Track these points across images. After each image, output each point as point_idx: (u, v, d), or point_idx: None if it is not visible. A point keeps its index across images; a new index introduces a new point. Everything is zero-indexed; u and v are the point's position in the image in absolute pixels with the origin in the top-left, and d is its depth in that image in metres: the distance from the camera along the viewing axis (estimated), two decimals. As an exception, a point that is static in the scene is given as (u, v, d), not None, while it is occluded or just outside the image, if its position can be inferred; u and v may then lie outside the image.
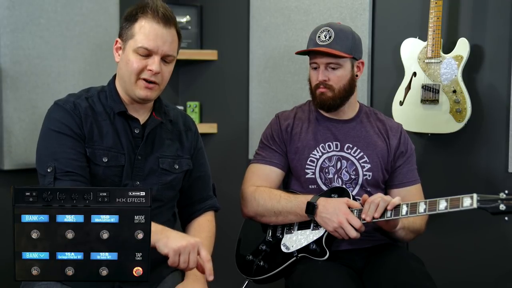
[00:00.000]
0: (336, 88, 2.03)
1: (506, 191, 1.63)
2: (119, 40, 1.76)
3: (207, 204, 1.97)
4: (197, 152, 1.94)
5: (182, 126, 1.92)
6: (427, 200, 1.75)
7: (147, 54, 1.70)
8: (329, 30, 2.02)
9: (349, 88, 2.06)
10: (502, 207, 1.61)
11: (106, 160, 1.72)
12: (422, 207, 1.75)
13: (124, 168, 1.74)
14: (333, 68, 2.02)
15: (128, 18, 1.74)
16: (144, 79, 1.72)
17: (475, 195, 1.65)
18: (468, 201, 1.65)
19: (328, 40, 2.00)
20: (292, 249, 1.96)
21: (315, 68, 2.05)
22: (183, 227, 1.99)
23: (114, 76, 1.83)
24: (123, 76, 1.76)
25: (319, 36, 2.03)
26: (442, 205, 1.70)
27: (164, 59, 1.73)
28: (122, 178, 1.73)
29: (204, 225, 1.94)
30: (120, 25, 1.78)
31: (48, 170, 1.66)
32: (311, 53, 2.05)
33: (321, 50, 2.00)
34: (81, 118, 1.72)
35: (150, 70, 1.70)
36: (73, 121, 1.71)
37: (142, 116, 1.81)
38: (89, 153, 1.70)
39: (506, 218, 1.64)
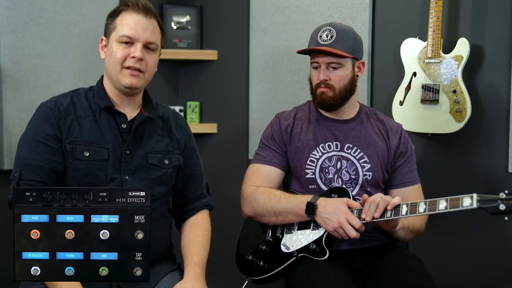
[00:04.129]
0: (337, 88, 2.03)
1: (506, 191, 1.62)
2: (104, 38, 1.81)
3: (201, 202, 1.98)
4: (190, 151, 1.96)
5: (173, 123, 1.94)
6: (427, 200, 1.75)
7: (129, 42, 1.75)
8: (330, 30, 2.02)
9: (350, 88, 2.06)
10: (502, 207, 1.61)
11: (88, 154, 1.74)
12: (422, 207, 1.75)
13: (108, 162, 1.76)
14: (334, 68, 2.02)
15: (111, 14, 1.80)
16: (129, 67, 1.76)
17: (475, 195, 1.65)
18: (468, 201, 1.65)
19: (330, 39, 2.01)
20: (292, 249, 1.96)
21: (316, 68, 2.06)
22: (178, 227, 2.00)
23: (102, 77, 1.87)
24: (108, 68, 1.80)
25: (320, 36, 2.03)
26: (442, 205, 1.70)
27: (147, 46, 1.78)
28: (107, 172, 1.75)
29: (200, 223, 1.94)
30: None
31: (15, 175, 1.71)
32: (313, 52, 2.05)
33: (323, 49, 2.00)
34: (60, 116, 1.75)
35: (133, 57, 1.74)
36: (49, 122, 1.74)
37: (130, 112, 1.84)
38: (70, 149, 1.73)
39: (506, 218, 1.64)
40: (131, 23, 1.75)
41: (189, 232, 1.92)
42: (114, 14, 1.80)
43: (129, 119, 1.82)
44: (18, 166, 1.72)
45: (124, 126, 1.80)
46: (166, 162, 1.86)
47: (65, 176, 1.74)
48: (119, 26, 1.76)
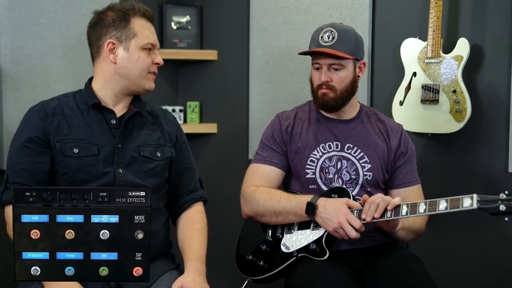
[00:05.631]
0: (338, 89, 2.03)
1: (506, 192, 1.62)
2: (114, 41, 1.83)
3: (195, 195, 2.01)
4: (182, 145, 2.01)
5: (163, 118, 2.00)
6: (427, 200, 1.75)
7: (150, 48, 1.86)
8: (332, 31, 2.02)
9: (351, 89, 2.06)
10: (502, 207, 1.61)
11: (77, 151, 1.78)
12: (422, 208, 1.75)
13: (98, 157, 1.80)
14: (336, 69, 2.02)
15: (119, 18, 1.84)
16: (151, 72, 1.88)
17: (475, 196, 1.65)
18: (468, 202, 1.65)
19: (331, 41, 2.00)
20: (292, 249, 1.96)
21: (318, 69, 2.05)
22: (174, 222, 2.01)
23: (89, 80, 1.92)
24: (129, 73, 1.84)
25: (322, 37, 2.02)
26: (442, 205, 1.70)
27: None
28: (98, 166, 1.79)
29: (196, 217, 1.97)
30: (99, 30, 1.86)
31: (5, 178, 1.78)
32: (314, 53, 2.05)
33: (325, 51, 2.00)
34: (46, 117, 1.80)
35: (157, 63, 1.88)
36: (33, 125, 1.80)
37: (121, 110, 1.89)
38: (59, 147, 1.78)
39: (506, 219, 1.64)
40: (150, 30, 1.87)
41: (185, 226, 1.95)
42: (122, 18, 1.83)
43: (118, 116, 1.87)
44: (6, 170, 1.81)
45: (113, 122, 1.85)
46: (159, 154, 1.90)
47: (57, 174, 1.78)
48: (141, 33, 1.84)
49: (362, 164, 2.05)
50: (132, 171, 1.83)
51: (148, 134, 1.91)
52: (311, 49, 2.06)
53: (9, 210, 1.75)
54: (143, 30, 1.84)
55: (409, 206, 1.78)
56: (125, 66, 1.83)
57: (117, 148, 1.82)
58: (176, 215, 2.00)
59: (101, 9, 1.90)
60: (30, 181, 1.76)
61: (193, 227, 1.93)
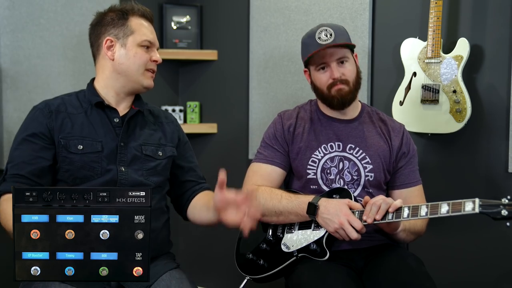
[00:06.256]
0: (351, 81, 2.04)
1: (509, 197, 1.61)
2: (112, 39, 1.86)
3: (203, 185, 2.06)
4: (185, 145, 2.05)
5: (164, 119, 2.03)
6: (429, 203, 1.74)
7: (148, 46, 1.88)
8: (326, 29, 2.02)
9: (359, 81, 2.08)
10: (504, 212, 1.60)
11: (81, 147, 1.80)
12: (423, 211, 1.74)
13: (102, 154, 1.81)
14: (343, 62, 2.02)
15: (117, 17, 1.87)
16: (149, 70, 1.89)
17: (477, 200, 1.64)
18: (470, 206, 1.64)
19: (331, 37, 2.01)
20: (292, 249, 1.96)
21: (324, 68, 2.04)
22: (184, 215, 2.04)
23: (91, 80, 1.94)
24: (126, 70, 1.87)
25: (319, 37, 2.02)
26: (444, 209, 1.70)
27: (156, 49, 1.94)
28: (101, 163, 1.80)
29: (208, 194, 2.00)
30: (99, 30, 1.89)
31: (3, 172, 1.78)
32: (317, 54, 2.03)
33: (337, 43, 1.99)
34: (50, 114, 1.82)
35: (155, 61, 1.90)
36: (37, 122, 1.80)
37: (122, 109, 1.91)
38: (64, 143, 1.79)
39: (508, 224, 1.63)
40: (148, 29, 1.89)
41: (200, 198, 1.98)
42: (120, 17, 1.87)
43: (121, 115, 1.89)
44: (6, 163, 1.81)
45: (116, 120, 1.87)
46: (160, 153, 1.93)
47: (60, 171, 1.80)
48: (138, 30, 1.86)
49: (364, 165, 2.05)
50: (135, 169, 1.85)
51: (150, 134, 1.93)
52: (310, 52, 2.04)
53: (4, 202, 1.73)
54: (141, 28, 1.87)
55: (411, 209, 1.78)
56: (122, 63, 1.86)
57: (120, 146, 1.84)
58: (185, 207, 2.02)
59: (102, 10, 1.92)
60: (28, 174, 1.76)
61: (208, 197, 1.96)
